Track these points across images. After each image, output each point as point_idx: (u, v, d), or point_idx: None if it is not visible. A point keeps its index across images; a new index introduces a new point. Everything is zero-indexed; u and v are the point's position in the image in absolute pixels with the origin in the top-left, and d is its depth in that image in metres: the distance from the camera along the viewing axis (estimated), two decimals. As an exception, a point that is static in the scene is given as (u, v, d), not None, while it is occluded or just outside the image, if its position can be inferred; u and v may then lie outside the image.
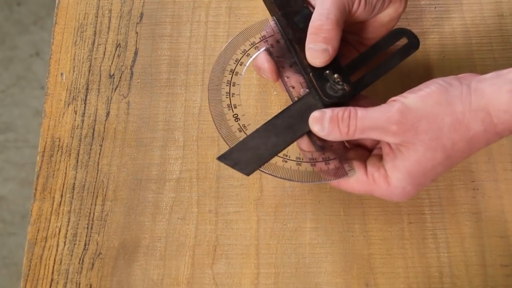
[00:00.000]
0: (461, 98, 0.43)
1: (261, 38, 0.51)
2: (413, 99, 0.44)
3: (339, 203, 0.53)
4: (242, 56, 0.51)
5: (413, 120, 0.43)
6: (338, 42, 0.47)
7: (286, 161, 0.48)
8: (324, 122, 0.45)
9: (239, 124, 0.49)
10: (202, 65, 0.59)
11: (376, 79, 0.51)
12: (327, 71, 0.48)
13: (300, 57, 0.49)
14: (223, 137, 0.48)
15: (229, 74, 0.50)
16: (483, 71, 0.58)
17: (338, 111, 0.45)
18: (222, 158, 0.46)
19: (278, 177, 0.47)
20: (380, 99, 0.56)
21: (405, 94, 0.45)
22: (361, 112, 0.44)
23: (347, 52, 0.53)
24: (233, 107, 0.49)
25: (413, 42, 0.53)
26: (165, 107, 0.57)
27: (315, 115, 0.46)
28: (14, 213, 1.45)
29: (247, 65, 0.50)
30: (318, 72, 0.48)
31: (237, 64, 0.50)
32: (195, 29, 0.61)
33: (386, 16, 0.51)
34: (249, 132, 0.48)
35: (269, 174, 0.47)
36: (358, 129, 0.44)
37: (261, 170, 0.47)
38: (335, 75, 0.47)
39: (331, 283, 0.50)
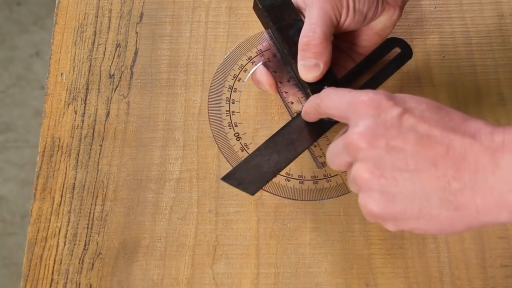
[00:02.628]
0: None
1: (258, 52, 0.50)
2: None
3: (339, 203, 0.53)
4: (240, 72, 0.50)
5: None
6: (328, 56, 0.47)
7: (289, 180, 0.48)
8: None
9: (240, 143, 0.48)
10: (202, 65, 0.59)
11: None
12: (325, 87, 0.47)
13: (297, 72, 0.48)
14: (225, 157, 0.48)
15: (228, 91, 0.50)
16: (483, 71, 0.58)
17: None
18: (226, 178, 0.46)
19: (282, 196, 0.48)
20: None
21: None
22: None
23: (341, 60, 0.52)
24: (234, 125, 0.49)
25: (406, 51, 0.53)
26: (165, 107, 0.57)
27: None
28: (14, 213, 1.45)
29: (245, 81, 0.50)
30: (315, 86, 0.48)
31: (235, 80, 0.50)
32: (195, 29, 0.61)
33: (379, 24, 0.51)
34: (251, 151, 0.47)
35: (274, 194, 0.48)
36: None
37: (265, 190, 0.47)
38: None
39: (331, 283, 0.50)
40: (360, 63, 0.52)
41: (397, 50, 0.54)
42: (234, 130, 0.49)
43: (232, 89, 0.50)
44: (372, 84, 0.52)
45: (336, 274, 0.51)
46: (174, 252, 0.52)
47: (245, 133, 0.49)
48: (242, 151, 0.48)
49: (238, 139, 0.49)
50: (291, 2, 0.50)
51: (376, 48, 0.53)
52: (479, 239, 0.51)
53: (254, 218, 0.53)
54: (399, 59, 0.54)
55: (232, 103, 0.49)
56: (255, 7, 0.51)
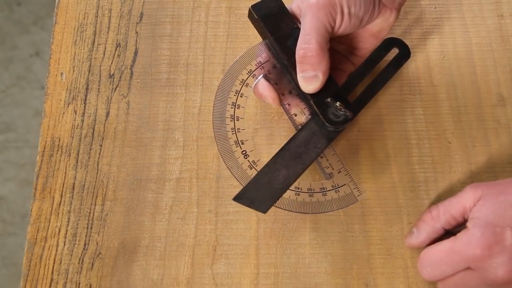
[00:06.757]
0: None
1: (257, 64, 0.50)
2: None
3: (339, 203, 0.53)
4: (241, 87, 0.49)
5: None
6: (326, 65, 0.46)
7: (298, 194, 0.48)
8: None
9: (248, 161, 0.48)
10: (202, 65, 0.59)
11: (374, 94, 0.51)
12: (329, 99, 0.47)
13: (298, 82, 0.47)
14: (234, 176, 0.48)
15: (231, 107, 0.49)
16: (483, 71, 0.58)
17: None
18: (237, 198, 0.45)
19: (293, 211, 0.48)
20: (377, 99, 0.56)
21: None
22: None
23: (340, 64, 0.52)
24: (240, 143, 0.48)
25: (405, 51, 0.53)
26: (165, 107, 0.57)
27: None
28: (14, 213, 1.45)
29: (248, 96, 0.49)
30: (317, 97, 0.47)
31: (237, 96, 0.49)
32: (195, 29, 0.61)
33: (376, 26, 0.50)
34: (259, 168, 0.47)
35: (285, 209, 0.48)
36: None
37: (277, 207, 0.47)
38: (337, 103, 0.46)
39: (331, 283, 0.50)
40: (359, 68, 0.52)
41: (395, 50, 0.54)
42: (241, 148, 0.48)
43: (235, 106, 0.49)
44: (374, 89, 0.51)
45: (336, 274, 0.51)
46: (174, 252, 0.52)
47: (252, 150, 0.48)
48: (251, 169, 0.48)
49: (245, 157, 0.48)
50: (287, 10, 0.49)
51: (374, 51, 0.53)
52: (479, 239, 0.51)
53: (254, 218, 0.53)
54: (397, 60, 0.53)
55: (237, 120, 0.49)
56: (251, 17, 0.50)
